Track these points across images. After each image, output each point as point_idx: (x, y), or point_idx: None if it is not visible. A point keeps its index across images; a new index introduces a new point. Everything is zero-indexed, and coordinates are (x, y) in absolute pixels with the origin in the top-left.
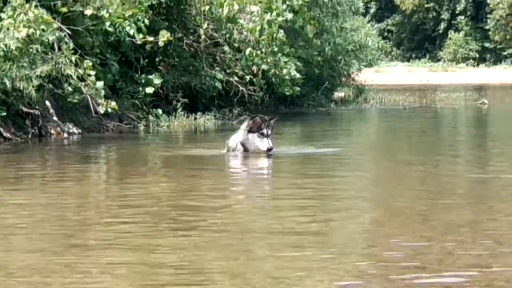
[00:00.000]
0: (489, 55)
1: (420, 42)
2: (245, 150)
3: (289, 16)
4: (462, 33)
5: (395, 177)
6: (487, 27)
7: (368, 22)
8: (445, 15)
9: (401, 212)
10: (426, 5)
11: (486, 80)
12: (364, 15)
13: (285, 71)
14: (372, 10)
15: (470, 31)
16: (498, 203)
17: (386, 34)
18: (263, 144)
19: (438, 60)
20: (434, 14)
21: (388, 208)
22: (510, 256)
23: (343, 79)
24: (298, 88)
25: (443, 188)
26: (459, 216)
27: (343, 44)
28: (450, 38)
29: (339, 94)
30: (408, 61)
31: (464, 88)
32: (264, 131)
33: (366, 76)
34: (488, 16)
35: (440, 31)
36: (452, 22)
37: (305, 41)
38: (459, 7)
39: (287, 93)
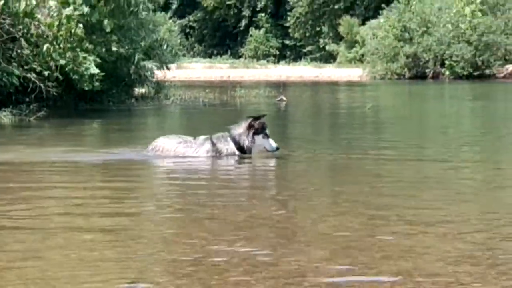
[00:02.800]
0: (289, 52)
1: (221, 38)
2: (244, 153)
3: (86, 10)
4: (262, 30)
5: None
6: (287, 24)
7: (170, 18)
8: (246, 12)
9: (191, 212)
10: (227, 2)
11: (286, 77)
12: (166, 11)
13: (84, 66)
14: (174, 6)
15: (271, 28)
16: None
17: (188, 30)
18: (271, 144)
19: (240, 57)
20: (236, 11)
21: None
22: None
23: (143, 75)
24: (97, 84)
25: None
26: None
27: (143, 40)
28: (251, 35)
29: (139, 90)
30: (210, 57)
31: (265, 85)
32: (267, 130)
33: (166, 72)
34: (288, 13)
35: (241, 28)
36: (253, 19)
37: (104, 37)
38: (260, 4)
39: (87, 88)
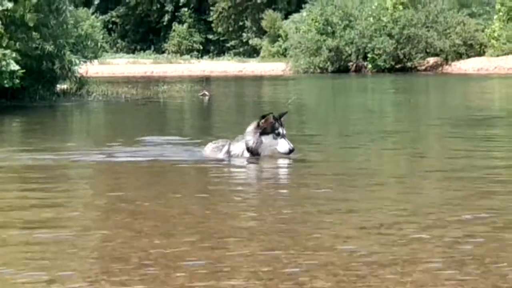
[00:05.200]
0: (213, 47)
1: (144, 34)
2: (255, 155)
3: (10, 5)
4: (185, 25)
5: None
6: (210, 19)
7: (93, 14)
8: (169, 7)
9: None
10: None
11: (209, 71)
12: (88, 6)
13: (3, 63)
14: (96, 2)
15: (194, 23)
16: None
17: (111, 26)
18: (283, 145)
19: (163, 52)
20: (158, 6)
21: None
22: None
23: (67, 71)
24: (18, 81)
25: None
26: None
27: (64, 36)
28: (174, 30)
29: (61, 86)
30: (133, 53)
31: (188, 80)
32: (280, 130)
33: (89, 68)
34: (211, 8)
35: (164, 23)
36: (176, 14)
37: (25, 33)
38: None
39: (7, 86)
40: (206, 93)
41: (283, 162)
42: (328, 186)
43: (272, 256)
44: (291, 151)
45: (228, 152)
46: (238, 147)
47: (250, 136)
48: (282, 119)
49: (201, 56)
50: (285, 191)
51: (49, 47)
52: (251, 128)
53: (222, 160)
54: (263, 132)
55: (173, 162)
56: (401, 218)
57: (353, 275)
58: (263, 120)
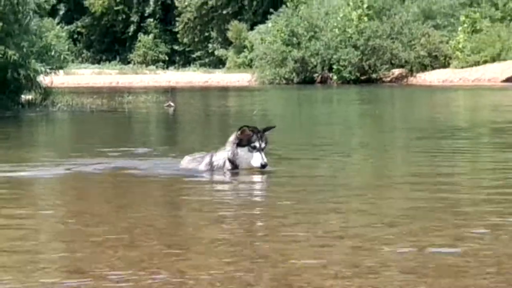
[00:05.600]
0: (179, 58)
1: (110, 44)
2: (235, 167)
3: None
4: (151, 36)
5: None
6: (176, 29)
7: (58, 24)
8: (135, 18)
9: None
10: (115, 8)
11: (175, 82)
12: (53, 16)
13: None
14: (61, 12)
15: (160, 33)
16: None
17: (76, 36)
18: (255, 159)
19: (129, 63)
20: (124, 16)
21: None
22: None
23: (30, 81)
24: None
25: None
26: None
27: (28, 47)
28: (139, 41)
29: (26, 97)
30: (99, 63)
31: (153, 90)
32: (256, 143)
33: (53, 78)
34: (177, 19)
35: (130, 34)
36: (142, 24)
37: None
38: (148, 10)
39: None
40: (172, 104)
41: (254, 175)
42: (293, 198)
43: (232, 267)
44: (263, 166)
45: (210, 163)
46: (220, 158)
47: (229, 146)
48: (266, 133)
49: (167, 67)
50: (251, 203)
51: (13, 56)
52: (231, 138)
53: (203, 171)
54: (239, 144)
55: (147, 174)
56: (367, 228)
57: (313, 285)
58: (239, 132)
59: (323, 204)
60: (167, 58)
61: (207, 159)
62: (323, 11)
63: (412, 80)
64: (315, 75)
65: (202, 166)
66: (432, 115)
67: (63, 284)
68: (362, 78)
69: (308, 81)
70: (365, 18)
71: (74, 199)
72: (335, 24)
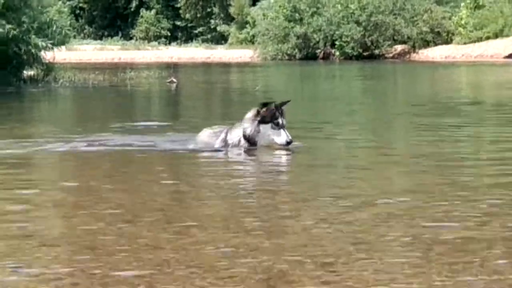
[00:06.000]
0: (181, 34)
1: (112, 20)
2: (252, 144)
3: None
4: (153, 11)
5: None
6: (178, 5)
7: None
8: None
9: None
10: None
11: (177, 58)
12: None
13: None
14: None
15: (162, 9)
16: None
17: (78, 11)
18: (281, 137)
19: (131, 38)
20: None
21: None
22: None
23: (31, 57)
24: None
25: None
26: None
27: (29, 22)
28: (141, 16)
29: (28, 73)
30: (101, 39)
31: (156, 66)
32: (280, 120)
33: (56, 54)
34: None
35: (132, 9)
36: (144, 0)
37: None
38: None
39: None
40: (174, 80)
41: (269, 153)
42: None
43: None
44: (288, 143)
45: (225, 140)
46: (235, 135)
47: (248, 123)
48: (283, 108)
49: (169, 43)
50: (256, 182)
51: (13, 31)
52: (250, 115)
53: (217, 149)
54: (262, 121)
55: (159, 150)
56: (362, 207)
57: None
58: (264, 109)
59: (324, 181)
60: (169, 34)
61: (222, 136)
62: None
63: (414, 56)
64: (318, 51)
65: (218, 143)
66: (433, 91)
67: (69, 259)
68: (365, 54)
69: (310, 57)
70: None
71: (79, 175)
72: (338, 0)
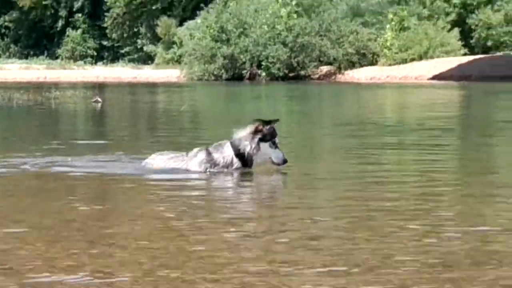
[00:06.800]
0: (107, 53)
1: (38, 39)
2: (246, 163)
3: None
4: (80, 31)
5: None
6: (105, 25)
7: None
8: (63, 13)
9: None
10: (44, 2)
11: (103, 77)
12: None
13: None
14: None
15: (88, 28)
16: None
17: (3, 30)
18: (279, 156)
19: (57, 58)
20: (52, 11)
21: None
22: None
23: None
24: None
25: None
26: None
27: None
28: (68, 36)
29: None
30: (27, 58)
31: (81, 86)
32: (276, 139)
33: None
34: (106, 14)
35: (58, 29)
36: (70, 19)
37: None
38: (77, 5)
39: None
40: (99, 99)
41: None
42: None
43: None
44: (285, 161)
45: (210, 161)
46: (226, 154)
47: (246, 140)
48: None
49: (95, 62)
50: (202, 200)
51: None
52: (246, 132)
53: (197, 172)
54: (263, 139)
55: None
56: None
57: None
58: (267, 126)
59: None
60: (95, 54)
61: (200, 157)
62: (252, 8)
63: (340, 77)
64: (244, 71)
65: (195, 165)
66: (357, 112)
67: None
68: (291, 75)
69: (237, 77)
70: (294, 15)
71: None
72: (264, 21)
